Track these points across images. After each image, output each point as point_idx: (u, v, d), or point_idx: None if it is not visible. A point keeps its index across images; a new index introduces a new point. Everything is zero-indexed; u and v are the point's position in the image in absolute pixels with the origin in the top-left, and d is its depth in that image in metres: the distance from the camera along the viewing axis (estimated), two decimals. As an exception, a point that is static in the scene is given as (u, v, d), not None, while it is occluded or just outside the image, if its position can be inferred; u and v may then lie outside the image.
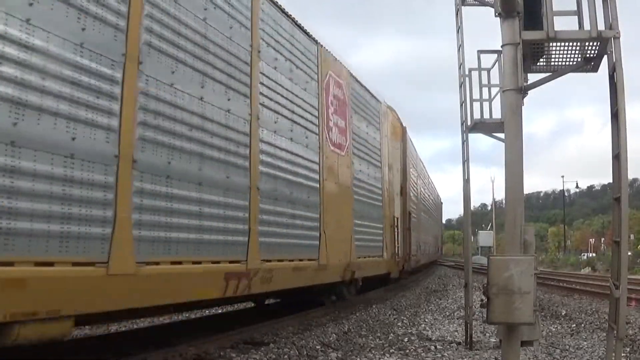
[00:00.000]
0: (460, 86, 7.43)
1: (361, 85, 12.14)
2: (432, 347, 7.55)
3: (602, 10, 5.19)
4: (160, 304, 5.84)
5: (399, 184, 15.52)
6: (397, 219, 14.60)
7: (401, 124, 16.57)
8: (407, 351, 7.30)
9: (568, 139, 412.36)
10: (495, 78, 7.03)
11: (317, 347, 7.38)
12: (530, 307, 4.88)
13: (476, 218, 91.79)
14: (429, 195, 29.12)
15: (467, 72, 7.35)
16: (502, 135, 6.08)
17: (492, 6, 5.59)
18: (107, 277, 4.58)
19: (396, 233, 14.34)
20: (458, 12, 7.13)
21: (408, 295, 15.84)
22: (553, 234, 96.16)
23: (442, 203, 47.15)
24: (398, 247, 14.47)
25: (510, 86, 5.39)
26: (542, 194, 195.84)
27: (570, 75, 5.84)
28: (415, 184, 19.91)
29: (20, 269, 3.92)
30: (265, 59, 7.53)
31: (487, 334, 8.49)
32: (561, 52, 5.62)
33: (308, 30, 9.08)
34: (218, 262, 6.21)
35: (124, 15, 4.95)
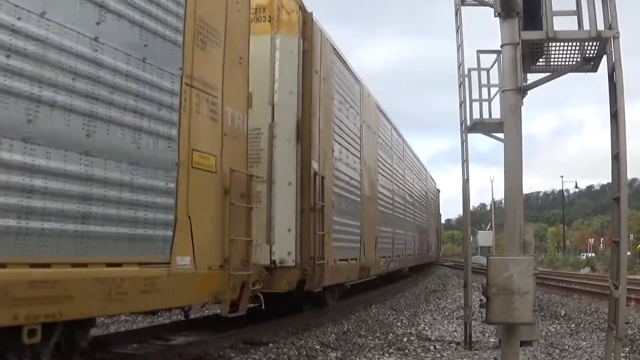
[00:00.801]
0: (460, 86, 7.43)
1: None
2: (432, 347, 7.55)
3: (601, 10, 5.18)
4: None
5: (293, 116, 8.54)
6: (251, 184, 6.45)
7: (301, 5, 8.85)
8: (406, 351, 7.30)
9: (568, 139, 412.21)
10: (494, 78, 7.02)
11: (317, 347, 7.38)
12: (530, 307, 4.88)
13: (475, 218, 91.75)
14: (406, 171, 19.05)
15: (466, 72, 7.34)
16: (501, 135, 6.07)
17: (491, 6, 5.58)
18: None
19: (228, 213, 5.85)
20: (458, 12, 7.13)
21: (407, 296, 15.86)
22: (552, 234, 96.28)
23: (438, 191, 36.21)
24: (249, 242, 6.29)
25: (509, 86, 5.38)
26: (541, 194, 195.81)
27: (570, 75, 5.85)
28: (357, 131, 11.78)
29: None
30: None
31: (487, 334, 8.49)
32: (561, 52, 5.62)
33: None
34: None
35: None
